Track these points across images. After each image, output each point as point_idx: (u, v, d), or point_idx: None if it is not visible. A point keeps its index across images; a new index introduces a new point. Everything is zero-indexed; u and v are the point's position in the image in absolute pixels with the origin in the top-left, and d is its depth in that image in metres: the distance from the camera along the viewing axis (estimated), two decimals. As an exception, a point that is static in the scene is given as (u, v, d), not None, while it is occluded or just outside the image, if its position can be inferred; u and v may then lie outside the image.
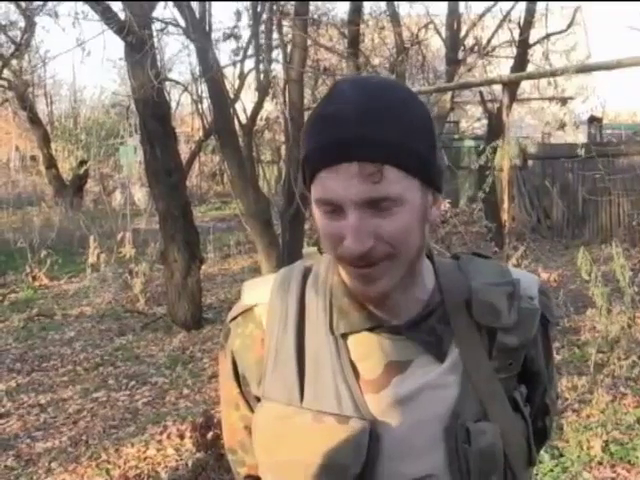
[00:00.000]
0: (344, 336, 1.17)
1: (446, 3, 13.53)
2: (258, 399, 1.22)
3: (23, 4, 16.83)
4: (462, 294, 1.19)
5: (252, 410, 1.24)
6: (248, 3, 8.30)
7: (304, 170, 1.10)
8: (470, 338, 1.18)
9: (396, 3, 14.25)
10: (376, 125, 1.03)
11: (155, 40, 7.71)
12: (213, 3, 7.39)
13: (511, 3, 13.34)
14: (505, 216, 8.22)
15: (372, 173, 1.02)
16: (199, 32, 7.05)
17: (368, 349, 1.16)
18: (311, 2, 9.53)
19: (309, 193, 1.11)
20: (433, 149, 1.10)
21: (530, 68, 13.03)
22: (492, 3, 14.01)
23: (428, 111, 1.13)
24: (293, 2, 8.66)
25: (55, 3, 15.01)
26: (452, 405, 1.14)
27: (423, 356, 1.16)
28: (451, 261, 1.28)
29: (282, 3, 8.84)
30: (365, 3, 12.10)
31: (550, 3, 12.94)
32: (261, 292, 1.25)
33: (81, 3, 8.05)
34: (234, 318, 1.27)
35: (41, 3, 16.14)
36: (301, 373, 1.16)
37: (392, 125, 1.04)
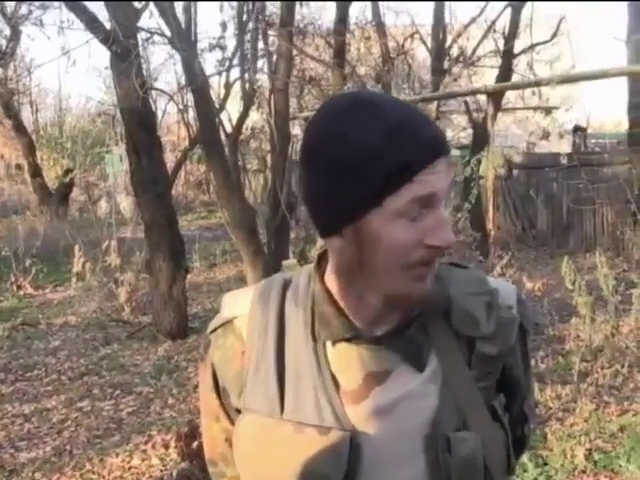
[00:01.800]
0: (324, 347, 1.18)
1: (432, 13, 13.59)
2: (238, 411, 1.22)
3: (8, 12, 16.82)
4: (441, 304, 1.20)
5: (232, 422, 1.24)
6: (234, 12, 8.32)
7: (389, 180, 1.06)
8: (449, 347, 1.19)
9: (382, 13, 14.32)
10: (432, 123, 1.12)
11: (141, 49, 7.71)
12: (199, 13, 7.40)
13: (496, 13, 13.35)
14: (490, 225, 8.27)
15: (451, 162, 1.11)
16: (185, 42, 7.05)
17: (347, 360, 1.17)
18: (297, 11, 9.55)
19: (369, 207, 1.07)
20: None
21: (515, 78, 13.09)
22: (477, 13, 14.08)
23: None
24: (279, 12, 8.68)
25: (41, 12, 14.96)
26: (432, 414, 1.15)
27: (402, 366, 1.17)
28: (430, 271, 1.28)
29: (268, 13, 8.86)
30: (351, 13, 12.14)
31: (535, 13, 12.99)
32: (241, 304, 1.25)
33: (66, 11, 8.01)
34: (214, 330, 1.28)
35: (26, 12, 16.15)
36: (281, 385, 1.17)
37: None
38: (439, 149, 1.08)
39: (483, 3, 13.79)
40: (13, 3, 16.62)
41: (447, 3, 13.85)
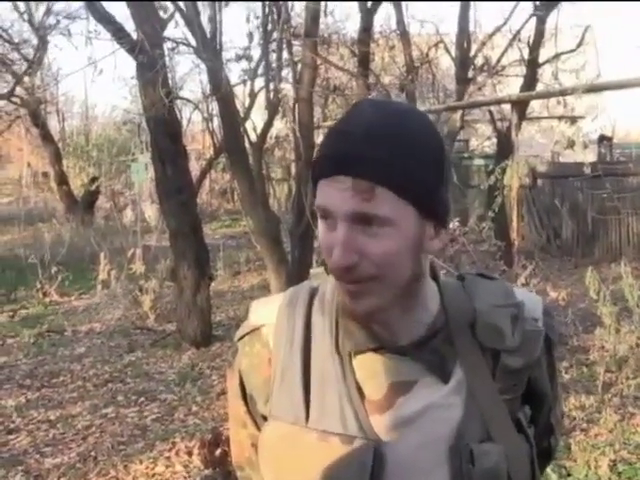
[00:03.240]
0: (349, 356, 1.18)
1: (456, 22, 13.57)
2: (265, 418, 1.23)
3: (36, 22, 17.03)
4: (466, 316, 1.20)
5: (259, 428, 1.25)
6: (258, 21, 8.36)
7: (312, 178, 1.14)
8: (474, 359, 1.19)
9: (406, 22, 14.31)
10: (379, 146, 1.06)
11: (166, 59, 7.77)
12: (224, 23, 7.44)
13: (520, 22, 13.31)
14: (514, 235, 8.24)
15: (364, 190, 1.05)
16: (210, 51, 7.11)
17: (372, 369, 1.18)
18: (321, 21, 9.57)
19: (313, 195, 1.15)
20: (439, 182, 1.12)
21: (540, 87, 13.04)
22: (501, 22, 14.04)
23: (443, 146, 1.15)
24: (303, 22, 8.70)
25: (68, 22, 15.19)
26: (456, 426, 1.15)
27: (427, 376, 1.17)
28: (456, 282, 1.28)
29: (293, 23, 8.90)
30: (375, 22, 12.11)
31: (560, 22, 12.94)
32: (268, 312, 1.27)
33: (93, 22, 8.10)
34: (241, 337, 1.29)
35: (54, 22, 16.34)
36: (307, 393, 1.18)
37: (397, 150, 1.06)
38: (339, 166, 1.06)
39: (507, 13, 13.75)
40: (41, 14, 16.83)
41: (472, 12, 13.84)
